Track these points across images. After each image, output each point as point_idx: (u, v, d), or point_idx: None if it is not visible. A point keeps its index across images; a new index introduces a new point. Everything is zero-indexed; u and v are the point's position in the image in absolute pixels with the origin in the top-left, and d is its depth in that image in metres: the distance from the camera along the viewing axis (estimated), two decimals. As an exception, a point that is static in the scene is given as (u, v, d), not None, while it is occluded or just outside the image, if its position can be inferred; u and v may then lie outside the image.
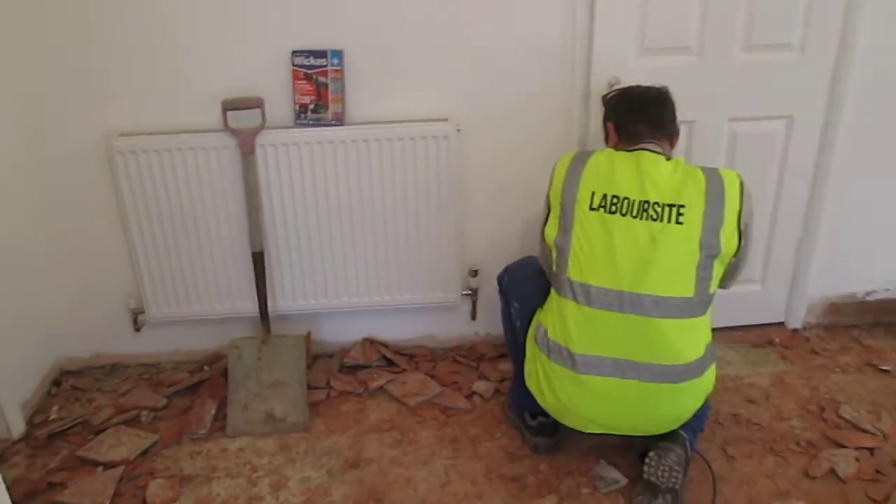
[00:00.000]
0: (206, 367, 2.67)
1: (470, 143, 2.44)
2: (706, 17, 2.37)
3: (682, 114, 2.14)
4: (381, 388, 2.55)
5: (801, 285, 2.80)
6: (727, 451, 2.25)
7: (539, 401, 2.04)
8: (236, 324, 2.59)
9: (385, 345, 2.72)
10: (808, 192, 2.66)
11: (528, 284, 2.16)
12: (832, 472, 2.16)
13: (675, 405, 1.92)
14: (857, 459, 2.20)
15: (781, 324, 2.88)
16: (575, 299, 1.89)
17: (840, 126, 2.54)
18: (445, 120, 2.37)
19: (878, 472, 2.16)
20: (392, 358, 2.67)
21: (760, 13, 2.38)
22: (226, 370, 2.53)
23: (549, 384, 1.96)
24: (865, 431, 2.32)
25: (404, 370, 2.63)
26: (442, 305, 2.64)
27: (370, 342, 2.71)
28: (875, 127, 2.56)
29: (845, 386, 2.56)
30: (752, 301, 2.79)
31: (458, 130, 2.38)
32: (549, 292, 2.06)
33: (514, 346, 2.25)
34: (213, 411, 2.43)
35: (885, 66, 2.47)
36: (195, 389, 2.55)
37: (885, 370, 2.63)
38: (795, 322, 2.86)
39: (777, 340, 2.80)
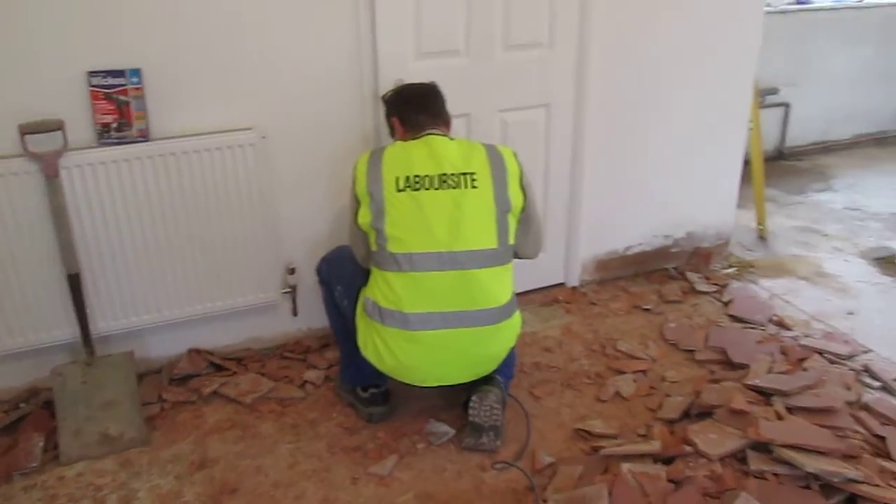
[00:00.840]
0: (21, 405, 2.57)
1: (276, 149, 2.59)
2: (470, 24, 2.73)
3: (458, 108, 2.49)
4: (214, 392, 2.62)
5: (574, 249, 3.26)
6: (534, 393, 2.61)
7: (379, 366, 2.26)
8: (52, 354, 2.52)
9: (211, 353, 2.79)
10: (570, 168, 3.12)
11: (348, 267, 2.39)
12: (618, 394, 2.60)
13: (497, 344, 2.25)
14: (635, 381, 2.66)
15: (562, 284, 3.34)
16: (400, 269, 2.14)
17: (588, 109, 3.02)
18: (250, 129, 2.51)
19: (651, 387, 2.63)
20: (221, 363, 2.75)
21: (514, 17, 2.78)
22: (46, 402, 2.47)
23: (387, 348, 2.19)
24: (638, 358, 2.80)
25: (235, 373, 2.72)
26: (264, 306, 2.77)
27: (196, 352, 2.77)
28: (615, 108, 3.07)
29: (619, 326, 3.05)
30: (537, 267, 3.18)
31: (264, 138, 2.53)
32: (366, 273, 2.30)
33: (341, 328, 2.45)
34: (41, 443, 2.36)
35: (620, 55, 2.99)
36: (15, 427, 2.46)
37: (647, 309, 3.17)
38: (573, 280, 3.32)
39: (561, 298, 3.25)
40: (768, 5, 4.64)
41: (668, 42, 3.07)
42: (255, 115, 2.53)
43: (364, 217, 2.20)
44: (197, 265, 2.60)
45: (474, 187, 2.18)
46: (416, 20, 2.64)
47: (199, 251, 2.58)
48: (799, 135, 5.18)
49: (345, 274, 2.39)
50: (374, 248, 2.21)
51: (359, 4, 2.53)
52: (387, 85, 2.63)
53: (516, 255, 2.34)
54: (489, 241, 2.18)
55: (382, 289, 2.18)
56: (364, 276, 2.31)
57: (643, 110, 3.14)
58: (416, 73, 2.61)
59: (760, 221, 3.89)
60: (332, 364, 2.76)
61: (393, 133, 2.47)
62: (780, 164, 5.04)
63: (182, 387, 2.65)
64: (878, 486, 1.94)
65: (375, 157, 2.24)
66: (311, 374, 2.71)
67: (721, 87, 3.25)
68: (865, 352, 2.84)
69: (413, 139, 2.29)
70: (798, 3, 4.84)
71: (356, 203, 2.25)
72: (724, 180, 3.46)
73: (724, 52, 3.19)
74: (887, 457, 2.12)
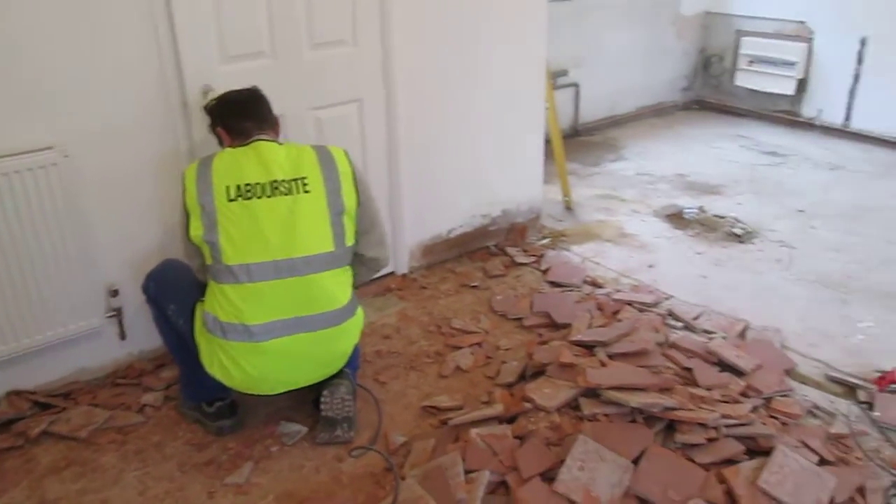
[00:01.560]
0: None
1: (83, 167, 2.45)
2: (273, 24, 2.73)
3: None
4: (44, 432, 2.45)
5: (400, 237, 3.37)
6: (379, 379, 2.69)
7: (227, 383, 2.23)
8: None
9: (34, 392, 2.60)
10: (387, 160, 3.22)
11: (179, 283, 2.32)
12: (458, 368, 2.74)
13: (342, 343, 2.29)
14: (472, 353, 2.82)
15: (393, 273, 3.43)
16: (237, 281, 2.11)
17: (398, 102, 3.13)
18: (50, 148, 2.36)
19: (488, 357, 2.80)
20: (46, 402, 2.58)
21: (317, 16, 2.82)
22: None
23: (234, 363, 2.16)
24: (472, 332, 2.96)
25: (64, 408, 2.56)
26: (87, 334, 2.62)
27: (16, 394, 2.57)
28: (424, 99, 3.20)
29: (450, 305, 3.19)
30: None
31: (66, 157, 2.39)
32: (200, 286, 2.25)
33: (177, 346, 2.38)
34: None
35: (423, 48, 3.12)
36: None
37: (475, 286, 3.34)
38: (403, 268, 3.43)
39: (393, 286, 3.34)
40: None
41: (468, 33, 3.25)
42: (56, 133, 2.38)
43: (196, 230, 2.15)
44: (7, 300, 2.41)
45: (306, 192, 2.19)
46: (217, 24, 2.60)
47: (8, 285, 2.40)
48: (590, 111, 5.63)
49: (177, 291, 2.32)
50: (209, 261, 2.17)
51: (154, 11, 2.45)
52: (195, 92, 2.58)
53: (364, 261, 2.39)
54: (325, 245, 2.21)
55: (221, 302, 2.15)
56: (198, 291, 2.26)
57: (450, 99, 3.30)
58: (224, 78, 2.58)
59: (566, 193, 4.21)
60: (171, 383, 2.67)
61: (221, 142, 2.41)
62: (577, 140, 5.46)
63: (5, 433, 2.46)
64: (690, 409, 2.21)
65: (204, 167, 2.19)
66: (148, 397, 2.61)
67: (518, 71, 3.49)
68: (667, 298, 3.19)
69: (241, 146, 2.25)
70: (576, -10, 5.26)
71: (186, 216, 2.18)
72: (530, 159, 3.72)
73: (516, 38, 3.43)
74: (695, 384, 2.42)
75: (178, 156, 2.62)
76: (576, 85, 5.42)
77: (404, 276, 3.43)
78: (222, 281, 2.14)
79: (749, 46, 5.76)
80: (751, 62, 5.77)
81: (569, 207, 4.19)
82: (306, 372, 2.29)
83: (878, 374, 2.61)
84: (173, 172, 2.48)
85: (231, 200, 2.12)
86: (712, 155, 5.09)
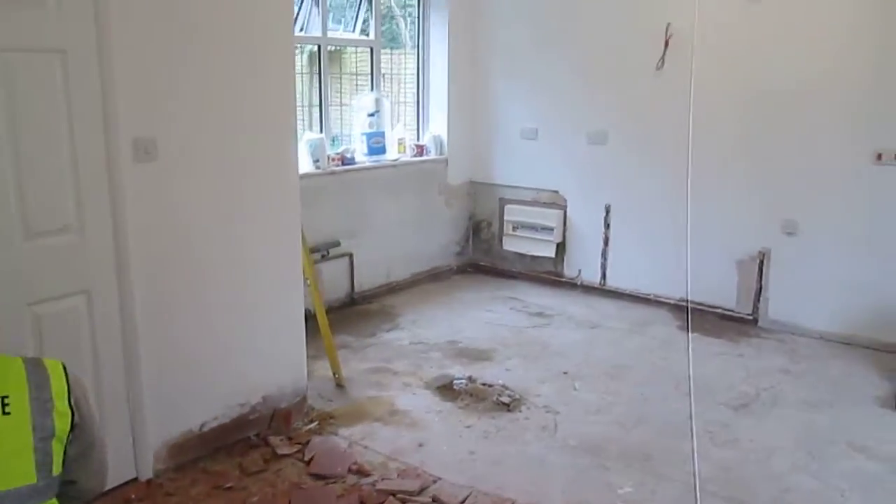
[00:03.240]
0: None
1: None
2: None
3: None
4: None
5: (141, 438, 3.00)
6: None
7: None
8: None
9: None
10: (122, 353, 2.91)
11: None
12: None
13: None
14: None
15: (136, 479, 3.03)
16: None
17: (135, 291, 2.88)
18: None
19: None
20: None
21: (32, 201, 2.57)
22: None
23: None
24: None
25: None
26: None
27: None
28: (165, 287, 2.98)
29: (199, 514, 2.84)
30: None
31: None
32: None
33: None
34: None
35: (160, 235, 2.92)
36: None
37: (229, 487, 3.02)
38: (147, 473, 3.04)
39: (134, 496, 2.93)
40: (318, 167, 5.09)
41: (212, 208, 3.12)
42: None
43: None
44: None
45: (6, 413, 1.84)
46: None
47: None
48: (367, 280, 5.63)
49: None
50: None
51: None
52: None
53: (75, 492, 2.04)
54: (25, 477, 1.84)
55: None
56: None
57: (199, 282, 3.10)
58: None
59: (335, 370, 4.06)
60: None
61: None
62: (355, 309, 5.40)
63: None
64: None
65: None
66: None
67: (270, 252, 3.38)
68: (435, 481, 3.06)
69: None
70: (343, 164, 5.37)
71: None
72: (290, 339, 3.56)
73: (266, 217, 3.34)
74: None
75: None
76: (350, 254, 5.43)
77: (148, 482, 3.03)
78: None
79: (512, 213, 6.16)
80: (514, 228, 6.16)
81: (340, 385, 4.03)
82: None
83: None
84: None
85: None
86: (484, 319, 5.22)
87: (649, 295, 5.56)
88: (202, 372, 3.18)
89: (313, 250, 4.81)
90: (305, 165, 5.04)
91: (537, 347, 4.66)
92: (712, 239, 5.12)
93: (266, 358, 3.43)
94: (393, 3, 6.07)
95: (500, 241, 6.29)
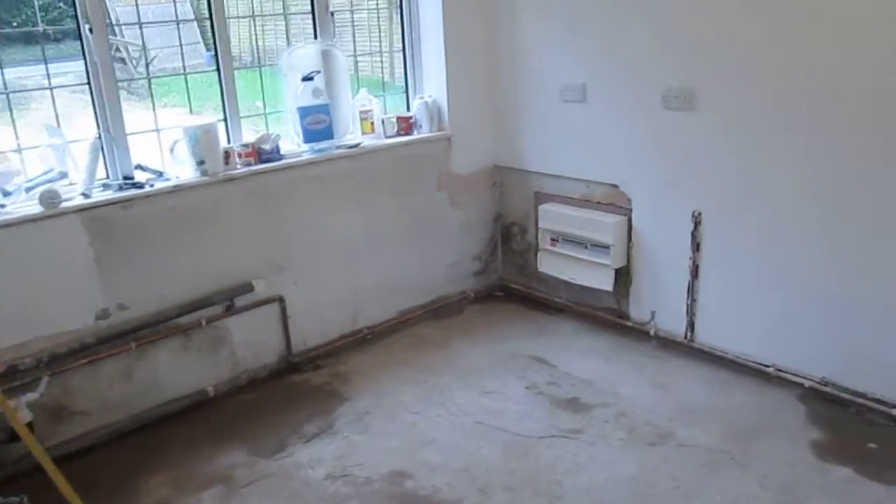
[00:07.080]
0: None
1: None
2: None
3: None
4: None
5: None
6: None
7: None
8: None
9: None
10: None
11: None
12: None
13: None
14: None
15: None
16: None
17: None
18: None
19: None
20: None
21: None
22: None
23: None
24: None
25: None
26: None
27: None
28: None
29: None
30: None
31: None
32: None
33: None
34: None
35: None
36: None
37: None
38: None
39: None
40: (204, 172, 3.17)
41: None
42: None
43: None
44: None
45: None
46: None
47: None
48: (315, 330, 3.75)
49: None
50: None
51: None
52: None
53: None
54: None
55: None
56: None
57: None
58: None
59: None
60: None
61: None
62: (283, 383, 3.54)
63: None
64: None
65: None
66: None
67: None
68: None
69: None
70: (260, 161, 3.44)
71: None
72: None
73: None
74: None
75: None
76: (279, 299, 3.53)
77: None
78: None
79: (548, 218, 3.97)
80: (554, 240, 3.98)
81: None
82: None
83: None
84: None
85: None
86: (475, 413, 3.17)
87: (768, 366, 3.29)
88: None
89: (187, 308, 3.01)
90: (185, 171, 3.19)
91: (542, 500, 2.60)
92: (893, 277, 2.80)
93: None
94: None
95: (536, 257, 4.16)
